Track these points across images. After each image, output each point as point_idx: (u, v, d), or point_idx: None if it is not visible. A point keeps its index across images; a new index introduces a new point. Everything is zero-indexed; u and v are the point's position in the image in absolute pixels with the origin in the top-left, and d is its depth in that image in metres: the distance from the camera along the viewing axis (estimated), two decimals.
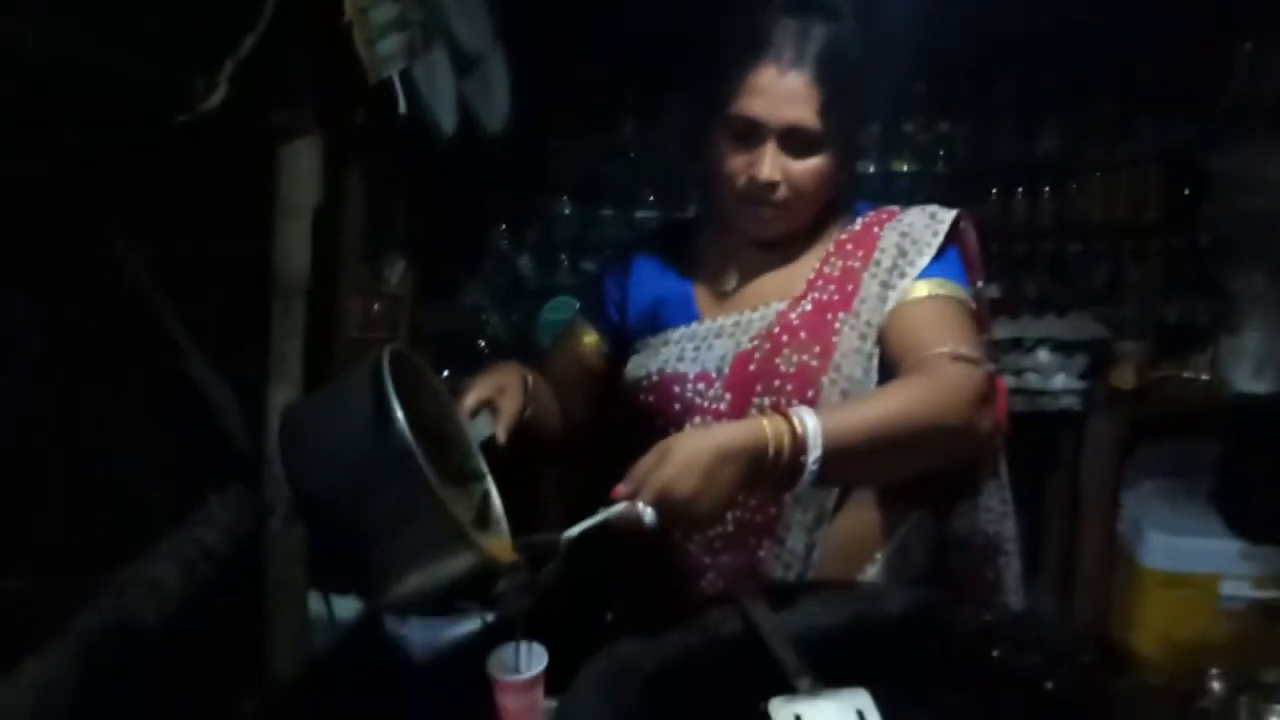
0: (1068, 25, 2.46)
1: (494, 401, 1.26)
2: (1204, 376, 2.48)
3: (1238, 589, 2.34)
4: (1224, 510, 2.44)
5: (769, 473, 1.00)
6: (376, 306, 1.55)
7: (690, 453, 0.96)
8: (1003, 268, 2.56)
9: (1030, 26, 2.47)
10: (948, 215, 1.28)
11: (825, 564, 1.24)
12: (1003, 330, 2.41)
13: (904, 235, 1.27)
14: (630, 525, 0.97)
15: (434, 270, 2.03)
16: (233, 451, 1.54)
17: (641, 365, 1.35)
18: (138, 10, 1.21)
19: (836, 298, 1.26)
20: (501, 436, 1.24)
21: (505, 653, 0.98)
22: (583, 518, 0.99)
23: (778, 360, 1.25)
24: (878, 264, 1.26)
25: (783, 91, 1.20)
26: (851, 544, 1.26)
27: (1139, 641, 2.45)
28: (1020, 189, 2.60)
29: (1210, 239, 2.57)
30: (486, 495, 1.18)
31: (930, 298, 1.22)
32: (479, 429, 1.25)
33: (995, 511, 1.35)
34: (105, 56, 1.15)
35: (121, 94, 1.22)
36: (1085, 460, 2.46)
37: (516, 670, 0.97)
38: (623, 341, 1.42)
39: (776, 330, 1.26)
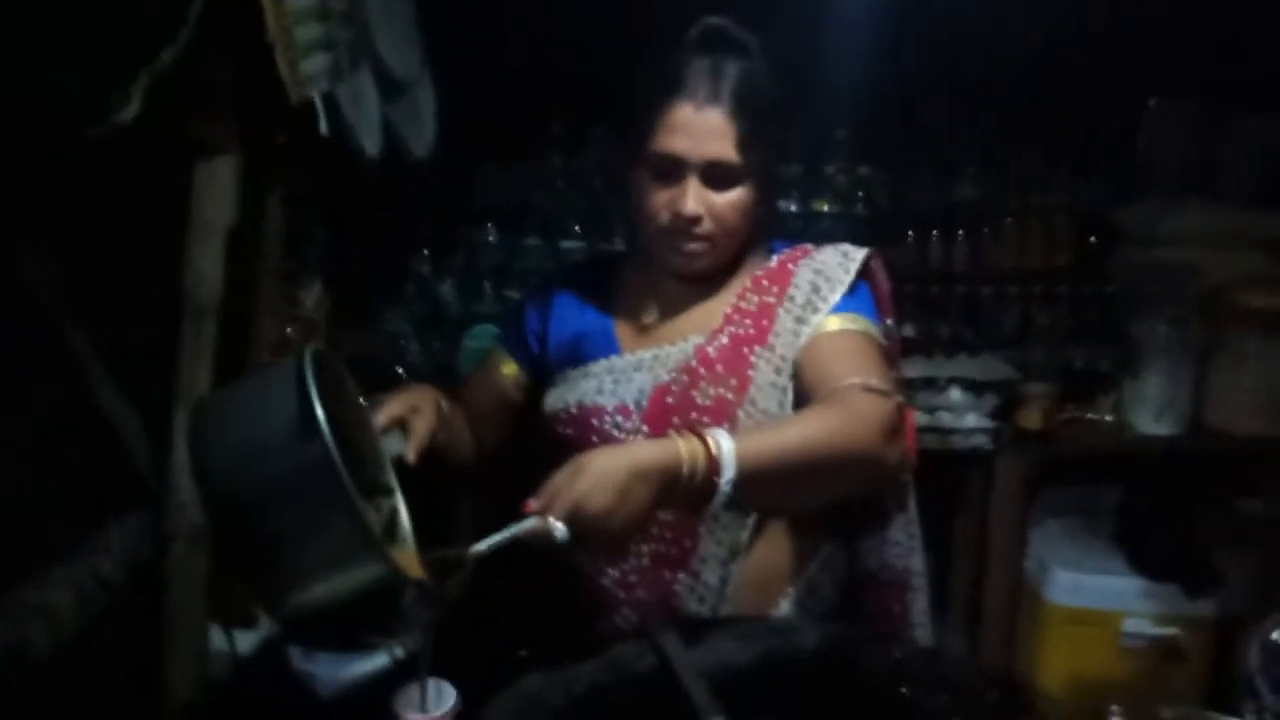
0: (989, 79, 2.55)
1: (406, 420, 1.25)
2: (1108, 419, 2.56)
3: (1139, 626, 2.41)
4: (1125, 549, 2.51)
5: (683, 492, 1.00)
6: (290, 330, 1.52)
7: (604, 469, 0.97)
8: (918, 309, 2.62)
9: (951, 77, 2.56)
10: (859, 254, 1.32)
11: (739, 597, 1.25)
12: (917, 369, 2.46)
13: (817, 272, 1.30)
14: (542, 541, 0.96)
15: (353, 295, 2.00)
16: (136, 477, 1.49)
17: (560, 397, 1.35)
18: (51, 19, 1.18)
19: (752, 332, 1.28)
20: (411, 456, 1.23)
21: (412, 691, 0.96)
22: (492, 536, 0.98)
23: (694, 393, 1.26)
24: (792, 299, 1.28)
25: (701, 128, 1.22)
26: (764, 577, 1.27)
27: (1044, 677, 2.50)
28: (936, 233, 2.67)
29: (1116, 288, 2.66)
30: (394, 511, 1.16)
31: (842, 332, 1.25)
32: (390, 446, 1.23)
33: (903, 546, 1.38)
34: (13, 65, 1.11)
35: (30, 104, 1.18)
36: (993, 498, 2.52)
37: (424, 709, 0.95)
38: (542, 373, 1.42)
39: (694, 364, 1.28)
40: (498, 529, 0.99)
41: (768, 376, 1.26)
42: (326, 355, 1.06)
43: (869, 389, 1.14)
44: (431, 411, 1.31)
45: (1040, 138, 2.74)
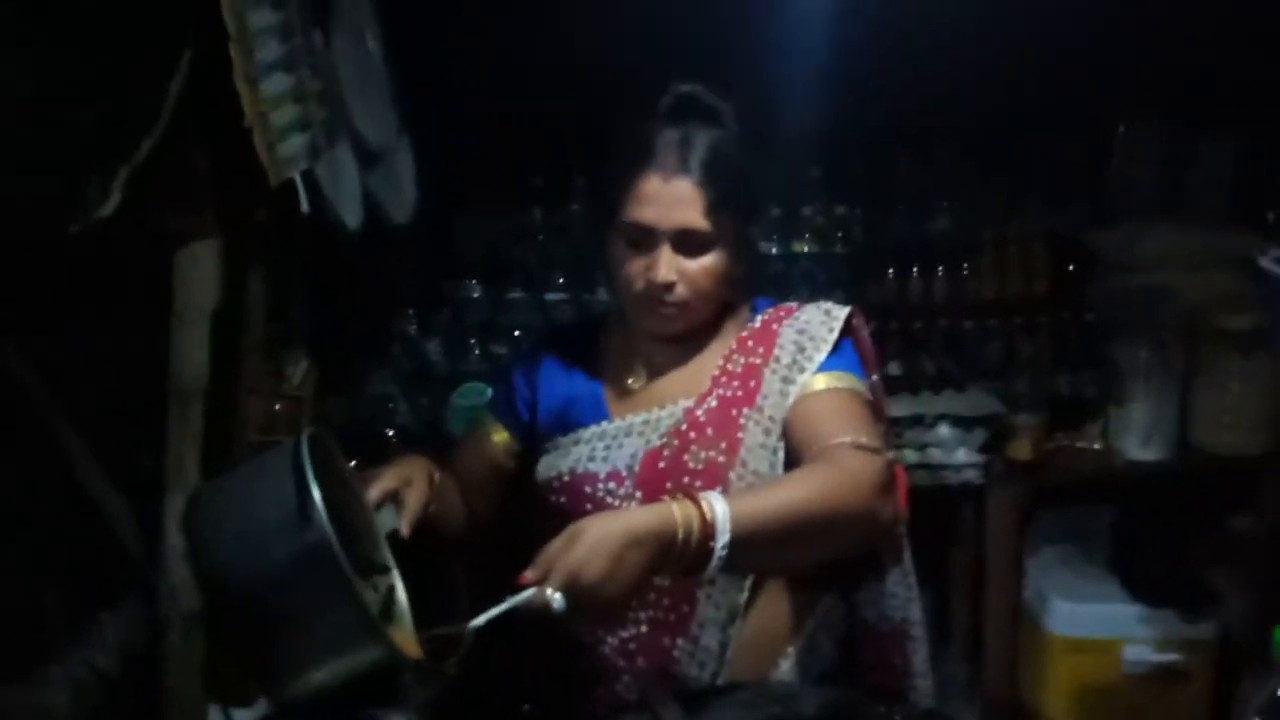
0: (957, 110, 2.58)
1: (399, 493, 1.25)
2: (1096, 446, 2.57)
3: (1140, 653, 2.41)
4: (1122, 575, 2.52)
5: (678, 557, 1.00)
6: (278, 408, 1.52)
7: (599, 536, 0.97)
8: (901, 345, 2.63)
9: (922, 111, 2.58)
10: (841, 312, 1.33)
11: (739, 660, 1.25)
12: (904, 407, 2.47)
13: (801, 332, 1.31)
14: (539, 611, 0.96)
15: (338, 362, 2.00)
16: (126, 563, 1.48)
17: (552, 465, 1.35)
18: (26, 117, 1.18)
19: (740, 394, 1.29)
20: (405, 530, 1.24)
21: None
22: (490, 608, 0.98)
23: (686, 457, 1.26)
24: (777, 360, 1.30)
25: (670, 197, 1.24)
26: (764, 638, 1.27)
27: (1048, 707, 2.50)
28: (915, 268, 2.69)
29: (1095, 314, 2.68)
30: (391, 589, 1.16)
31: (829, 390, 1.26)
32: (383, 521, 1.23)
33: (900, 597, 1.38)
34: None
35: (9, 203, 1.18)
36: (988, 531, 2.52)
37: None
38: (533, 440, 1.42)
39: (684, 427, 1.29)
40: (492, 599, 1.00)
41: (757, 438, 1.27)
42: (320, 435, 1.06)
43: (859, 447, 1.15)
44: (424, 483, 1.32)
45: (1012, 167, 2.76)
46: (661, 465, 1.27)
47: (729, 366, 1.33)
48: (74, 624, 1.38)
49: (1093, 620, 2.44)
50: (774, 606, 1.29)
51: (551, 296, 2.67)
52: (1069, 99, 2.60)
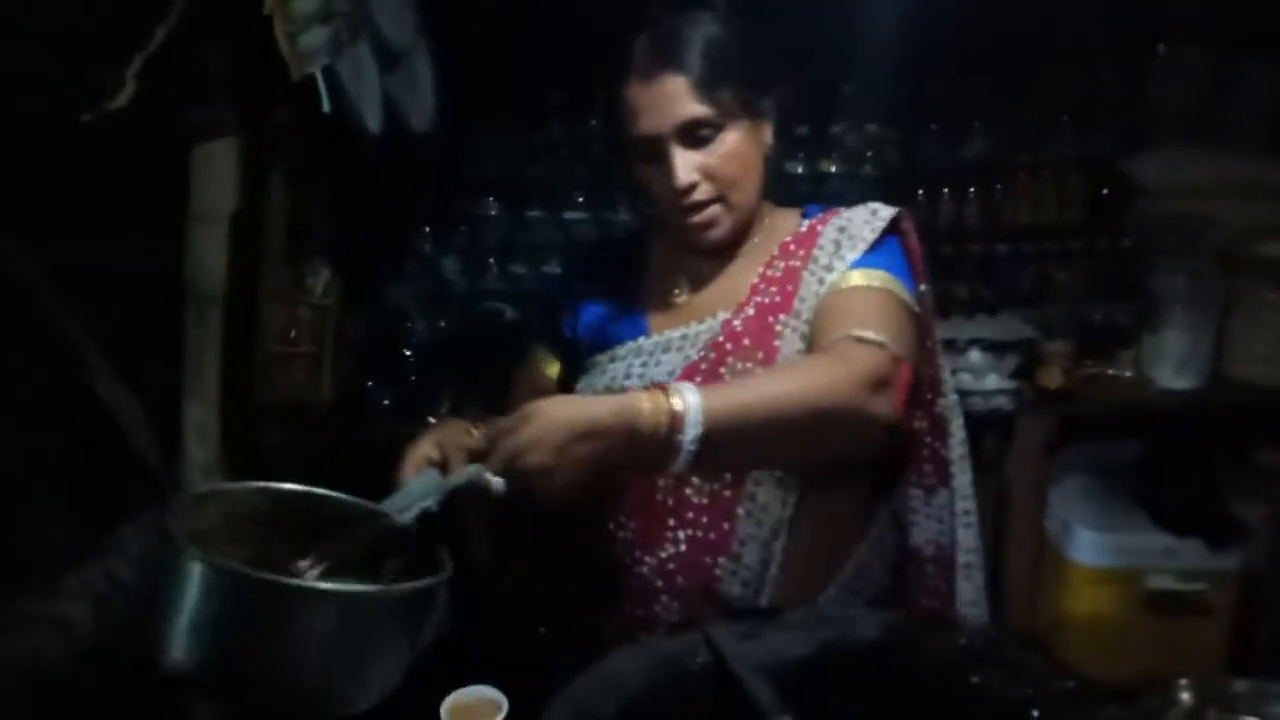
0: (992, 32, 2.49)
1: (443, 455, 1.14)
2: (1128, 374, 2.52)
3: (1165, 582, 2.38)
4: (1147, 505, 2.48)
5: (640, 451, 0.96)
6: (302, 316, 1.46)
7: (546, 425, 0.92)
8: (932, 270, 2.55)
9: (958, 31, 2.49)
10: (888, 211, 1.26)
11: (784, 581, 1.20)
12: (936, 332, 2.42)
13: (841, 230, 1.25)
14: (478, 493, 0.93)
15: (357, 277, 1.94)
16: (145, 473, 1.44)
17: (589, 384, 1.29)
18: (37, 2, 1.11)
19: (778, 300, 1.23)
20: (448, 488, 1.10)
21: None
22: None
23: (722, 369, 1.21)
24: (815, 260, 1.23)
25: (656, 97, 1.17)
26: (811, 559, 1.22)
27: (1069, 637, 2.48)
28: (946, 191, 2.61)
29: (1132, 242, 2.61)
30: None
31: (862, 288, 1.19)
32: (418, 489, 1.09)
33: (947, 522, 1.33)
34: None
35: (20, 90, 1.12)
36: (1013, 459, 2.48)
37: None
38: (578, 359, 1.36)
39: (721, 339, 1.23)
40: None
41: (794, 345, 1.20)
42: (188, 504, 0.94)
43: (860, 340, 1.08)
44: (461, 438, 1.20)
45: (1046, 90, 2.67)
46: (698, 380, 1.21)
47: (769, 273, 1.26)
48: (93, 535, 1.34)
49: (1117, 549, 2.40)
50: (823, 525, 1.23)
51: (571, 215, 2.60)
52: (1107, 21, 2.50)
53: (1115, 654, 2.40)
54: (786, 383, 1.04)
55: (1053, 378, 2.43)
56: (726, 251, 1.29)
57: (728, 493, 1.20)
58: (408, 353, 2.28)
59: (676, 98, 1.17)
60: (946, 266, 2.60)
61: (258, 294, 1.49)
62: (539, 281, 2.54)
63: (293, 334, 1.47)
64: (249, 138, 1.39)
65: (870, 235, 1.23)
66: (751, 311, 1.24)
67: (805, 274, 1.23)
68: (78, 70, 1.16)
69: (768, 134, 1.26)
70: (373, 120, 1.58)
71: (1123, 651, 2.41)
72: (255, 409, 1.52)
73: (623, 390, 1.24)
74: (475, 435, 1.18)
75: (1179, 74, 2.66)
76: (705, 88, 1.17)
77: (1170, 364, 2.45)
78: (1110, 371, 2.52)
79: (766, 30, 1.25)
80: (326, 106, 1.39)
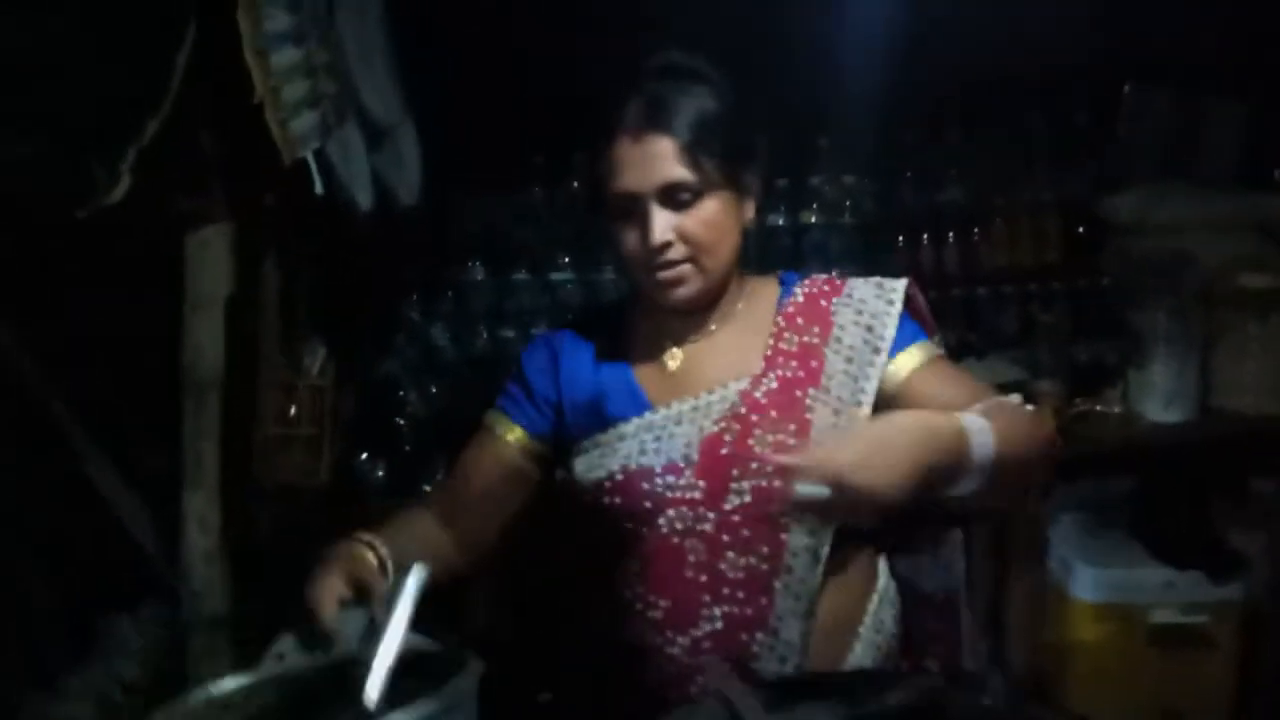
0: (961, 77, 2.54)
1: (362, 588, 1.09)
2: (1117, 410, 2.54)
3: (1168, 617, 2.38)
4: (1145, 540, 2.49)
5: (949, 470, 0.99)
6: (299, 398, 1.45)
7: (884, 437, 0.96)
8: None
9: (930, 79, 2.54)
10: (897, 285, 1.28)
11: (816, 649, 1.20)
12: None
13: (859, 313, 1.27)
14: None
15: (349, 351, 1.93)
16: (144, 566, 1.42)
17: (599, 465, 1.27)
18: (29, 94, 1.12)
19: (801, 374, 1.24)
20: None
21: None
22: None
23: (751, 441, 1.21)
24: (839, 340, 1.25)
25: (643, 155, 1.19)
26: (838, 623, 1.23)
27: (1073, 674, 2.47)
28: (925, 237, 2.64)
29: (1111, 280, 2.64)
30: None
31: (929, 361, 1.25)
32: (351, 625, 1.05)
33: (956, 566, 1.34)
34: None
35: (14, 179, 1.12)
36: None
37: None
38: (558, 440, 1.34)
39: (743, 410, 1.23)
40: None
41: (826, 418, 1.21)
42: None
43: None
44: (364, 560, 1.14)
45: (1018, 133, 2.72)
46: (724, 451, 1.21)
47: (782, 345, 1.27)
48: (93, 631, 1.32)
49: (1118, 585, 2.40)
50: (844, 589, 1.23)
51: (557, 276, 2.60)
52: (1074, 63, 2.56)
53: (1121, 688, 2.39)
54: (1027, 424, 1.13)
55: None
56: (700, 313, 1.29)
57: (765, 566, 1.20)
58: (401, 422, 2.27)
59: (662, 158, 1.19)
60: (931, 313, 2.61)
61: (255, 378, 1.48)
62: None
63: (292, 414, 1.46)
64: (241, 222, 1.39)
65: (893, 312, 1.27)
66: (774, 385, 1.25)
67: (828, 351, 1.26)
68: (72, 160, 1.17)
69: (749, 209, 1.29)
70: (363, 199, 1.59)
71: (1128, 685, 2.40)
72: (255, 493, 1.50)
73: (640, 467, 1.23)
74: (370, 549, 1.15)
75: (1146, 112, 2.72)
76: (691, 154, 1.19)
77: (1158, 398, 2.47)
78: (1100, 408, 2.54)
79: (755, 108, 1.27)
80: (320, 189, 1.39)
